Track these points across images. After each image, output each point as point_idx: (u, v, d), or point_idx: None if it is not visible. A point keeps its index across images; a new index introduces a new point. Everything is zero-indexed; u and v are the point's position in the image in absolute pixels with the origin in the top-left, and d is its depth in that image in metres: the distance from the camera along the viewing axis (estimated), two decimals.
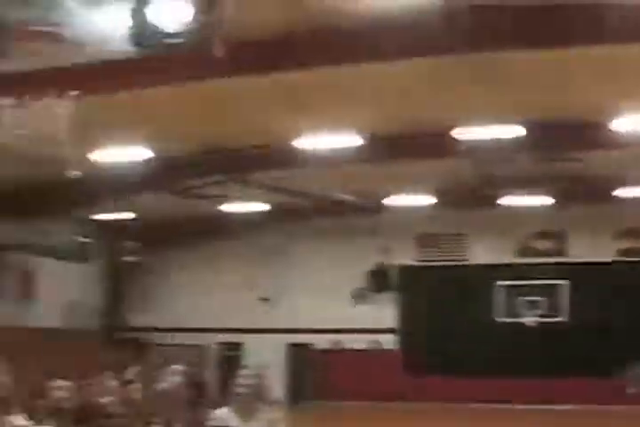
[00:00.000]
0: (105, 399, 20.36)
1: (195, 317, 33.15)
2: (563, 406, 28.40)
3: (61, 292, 29.93)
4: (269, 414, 5.99)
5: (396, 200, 27.08)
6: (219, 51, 9.50)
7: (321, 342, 33.31)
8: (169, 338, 33.00)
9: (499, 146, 19.28)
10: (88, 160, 19.19)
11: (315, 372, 33.52)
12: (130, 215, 29.32)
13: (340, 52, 13.65)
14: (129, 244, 30.94)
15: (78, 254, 27.81)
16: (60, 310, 30.16)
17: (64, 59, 12.42)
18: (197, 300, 33.50)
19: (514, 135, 18.39)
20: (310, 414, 30.70)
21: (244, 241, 33.72)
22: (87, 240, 28.06)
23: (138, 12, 8.14)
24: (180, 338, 32.60)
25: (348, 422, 25.74)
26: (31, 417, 8.46)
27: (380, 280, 33.15)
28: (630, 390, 28.15)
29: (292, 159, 21.78)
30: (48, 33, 8.96)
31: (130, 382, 25.74)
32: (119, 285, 32.93)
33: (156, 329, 33.53)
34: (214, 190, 25.72)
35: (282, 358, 33.67)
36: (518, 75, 15.23)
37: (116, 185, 24.04)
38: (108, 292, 33.22)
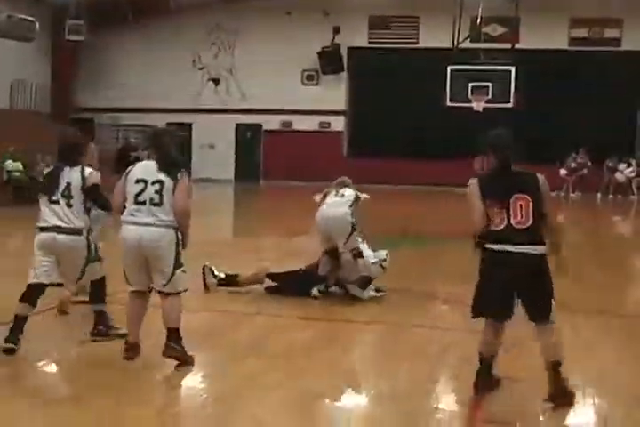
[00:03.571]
0: None
1: (144, 97, 32.98)
2: None
3: (6, 72, 29.30)
4: None
5: None
6: None
7: (270, 122, 33.55)
8: (118, 119, 32.97)
9: None
10: None
11: (263, 152, 33.98)
12: None
13: None
14: (72, 22, 29.95)
15: (21, 33, 26.88)
16: (7, 91, 29.72)
17: None
18: (147, 80, 33.21)
19: None
20: (257, 193, 31.49)
21: (190, 20, 33.04)
22: (30, 18, 27.06)
23: None
24: (129, 118, 32.56)
25: (293, 198, 26.40)
26: None
27: (330, 61, 32.94)
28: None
29: None
30: None
31: None
32: (66, 64, 32.26)
33: (106, 110, 33.40)
34: None
35: (231, 139, 34.04)
36: None
37: None
38: (55, 72, 32.60)
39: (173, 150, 7.02)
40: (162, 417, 5.53)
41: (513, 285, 5.89)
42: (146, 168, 6.85)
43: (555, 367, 5.91)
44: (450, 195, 29.38)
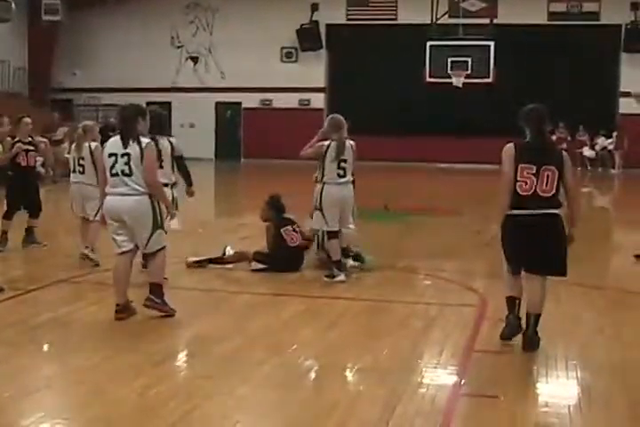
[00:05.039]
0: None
1: (123, 77, 32.73)
2: (481, 165, 29.25)
3: None
4: None
5: None
6: None
7: (250, 100, 33.43)
8: (98, 99, 32.80)
9: None
10: None
11: (243, 130, 33.89)
12: None
13: None
14: (48, 2, 29.65)
15: None
16: None
17: None
18: (125, 60, 32.99)
19: None
20: (238, 171, 31.44)
21: None
22: None
23: None
24: (108, 98, 32.35)
25: (274, 177, 26.43)
26: None
27: (309, 39, 32.81)
28: None
29: None
30: None
31: (59, 141, 25.96)
32: (43, 45, 31.94)
33: (86, 90, 33.19)
34: None
35: (211, 117, 33.91)
36: None
37: None
38: (32, 53, 32.26)
39: (138, 124, 7.48)
40: (145, 396, 5.55)
41: (532, 241, 6.53)
42: (115, 142, 7.42)
43: (536, 319, 6.61)
44: (431, 170, 29.49)
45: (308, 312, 8.12)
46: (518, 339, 6.80)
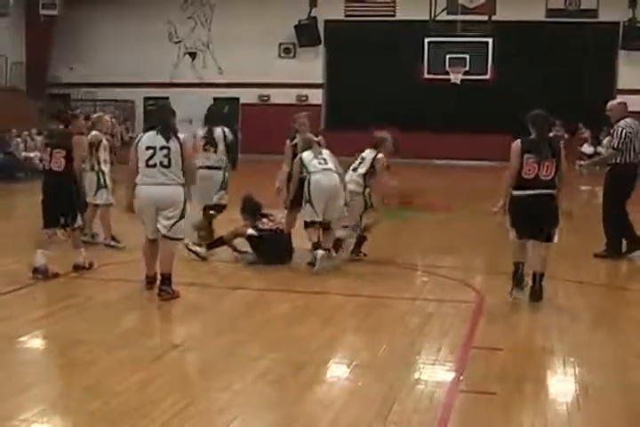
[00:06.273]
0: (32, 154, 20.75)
1: (121, 72, 32.69)
2: (479, 162, 29.29)
3: None
4: None
5: None
6: None
7: (248, 96, 33.38)
8: (95, 94, 32.76)
9: None
10: None
11: (241, 126, 33.82)
12: None
13: None
14: None
15: None
16: None
17: None
18: (123, 55, 32.92)
19: None
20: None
21: None
22: None
23: None
24: (106, 93, 32.35)
25: (271, 172, 26.38)
26: None
27: (307, 34, 32.77)
28: None
29: None
30: None
31: None
32: (41, 39, 31.88)
33: (83, 84, 33.12)
34: None
35: None
36: None
37: None
38: (30, 47, 32.18)
39: (175, 121, 8.25)
40: (143, 390, 5.54)
41: (534, 214, 8.11)
42: (152, 137, 8.04)
43: (541, 277, 8.09)
44: (429, 167, 29.47)
45: (305, 308, 8.12)
46: (515, 335, 6.79)
